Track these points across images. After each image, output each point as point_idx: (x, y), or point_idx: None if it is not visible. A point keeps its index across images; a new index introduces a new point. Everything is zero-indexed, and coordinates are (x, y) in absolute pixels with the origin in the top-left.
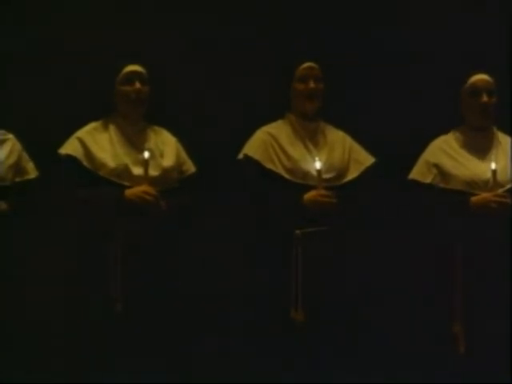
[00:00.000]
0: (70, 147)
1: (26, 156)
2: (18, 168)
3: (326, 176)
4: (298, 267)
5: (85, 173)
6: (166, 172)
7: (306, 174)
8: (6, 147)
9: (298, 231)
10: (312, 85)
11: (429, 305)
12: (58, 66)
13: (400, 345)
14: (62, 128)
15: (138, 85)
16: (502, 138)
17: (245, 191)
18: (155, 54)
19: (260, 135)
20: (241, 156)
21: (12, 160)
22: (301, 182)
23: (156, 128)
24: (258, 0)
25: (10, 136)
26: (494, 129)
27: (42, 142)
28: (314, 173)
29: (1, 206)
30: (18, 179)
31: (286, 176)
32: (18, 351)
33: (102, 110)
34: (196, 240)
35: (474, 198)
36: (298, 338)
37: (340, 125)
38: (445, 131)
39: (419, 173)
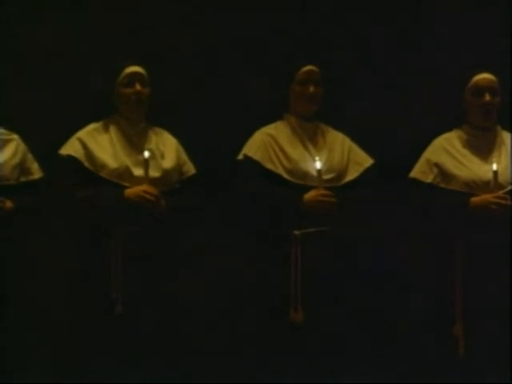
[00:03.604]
0: (71, 148)
1: (30, 157)
2: (22, 168)
3: (325, 177)
4: (298, 268)
5: (85, 173)
6: (166, 173)
7: (305, 175)
8: (11, 147)
9: (296, 232)
10: (312, 89)
11: (429, 305)
12: (58, 67)
13: (400, 345)
14: (63, 129)
15: (138, 86)
16: (506, 137)
17: (244, 192)
18: (155, 54)
19: (259, 136)
20: (241, 156)
21: (16, 160)
22: (300, 183)
23: (156, 129)
24: (258, 0)
25: (15, 136)
26: (498, 128)
27: (42, 143)
28: (314, 173)
29: (6, 204)
30: (23, 179)
31: (286, 177)
32: (18, 351)
33: (102, 111)
34: (196, 240)
35: (474, 199)
36: (298, 338)
37: (340, 125)
38: (446, 131)
39: (420, 172)
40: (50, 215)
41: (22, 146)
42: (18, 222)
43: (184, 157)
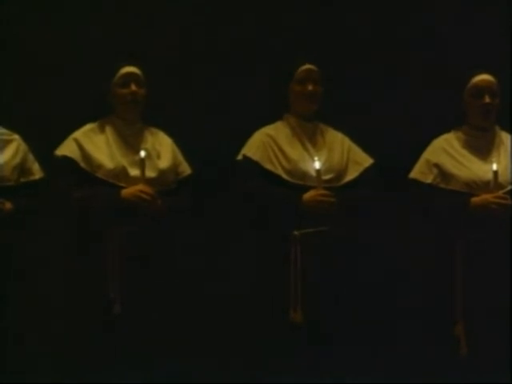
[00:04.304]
0: (67, 149)
1: (31, 157)
2: (23, 169)
3: (324, 177)
4: (297, 268)
5: (81, 174)
6: (162, 173)
7: (304, 175)
8: (12, 148)
9: (296, 232)
10: (310, 87)
11: (429, 305)
12: (55, 67)
13: (400, 345)
14: (59, 129)
15: (133, 87)
16: (505, 137)
17: (244, 192)
18: (155, 54)
19: (259, 136)
20: (240, 157)
21: (17, 160)
22: (300, 183)
23: (152, 129)
24: (258, 0)
25: (16, 137)
26: (497, 129)
27: (38, 143)
28: (313, 173)
29: (6, 205)
30: (23, 180)
31: (285, 177)
32: (18, 351)
33: (99, 111)
34: (195, 240)
35: (474, 199)
36: (298, 338)
37: (340, 125)
38: (445, 131)
39: (420, 172)
40: (49, 216)
41: (23, 146)
42: (17, 222)
43: (180, 157)
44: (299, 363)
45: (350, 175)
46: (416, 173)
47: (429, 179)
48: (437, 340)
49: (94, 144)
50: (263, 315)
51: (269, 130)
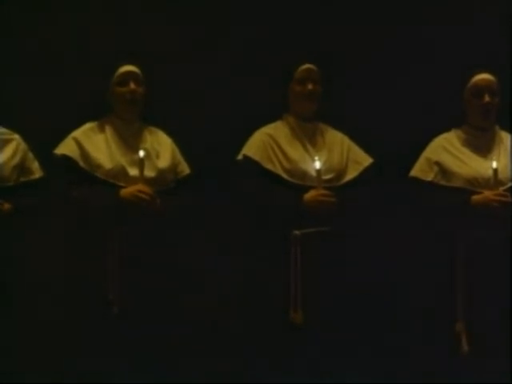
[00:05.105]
0: (66, 148)
1: (31, 156)
2: (22, 168)
3: (324, 177)
4: (298, 267)
5: (80, 173)
6: (161, 173)
7: (304, 175)
8: (11, 147)
9: (296, 232)
10: (310, 87)
11: (429, 304)
12: (55, 66)
13: (400, 345)
14: (59, 128)
15: (132, 85)
16: (505, 136)
17: (244, 191)
18: (154, 53)
19: (259, 136)
20: (240, 157)
21: (16, 160)
22: (300, 183)
23: (152, 128)
24: (258, 0)
25: (16, 136)
26: (497, 127)
27: (38, 142)
28: (313, 173)
29: (5, 206)
30: (22, 179)
31: (286, 177)
32: (17, 351)
33: (98, 111)
34: (194, 240)
35: (474, 197)
36: (298, 338)
37: (340, 125)
38: (445, 131)
39: (420, 170)
40: (49, 215)
41: (23, 145)
42: (16, 222)
43: (179, 156)
44: (299, 363)
45: (350, 175)
46: (416, 171)
47: (429, 177)
48: (437, 340)
49: (94, 143)
50: (263, 315)
51: (269, 129)
